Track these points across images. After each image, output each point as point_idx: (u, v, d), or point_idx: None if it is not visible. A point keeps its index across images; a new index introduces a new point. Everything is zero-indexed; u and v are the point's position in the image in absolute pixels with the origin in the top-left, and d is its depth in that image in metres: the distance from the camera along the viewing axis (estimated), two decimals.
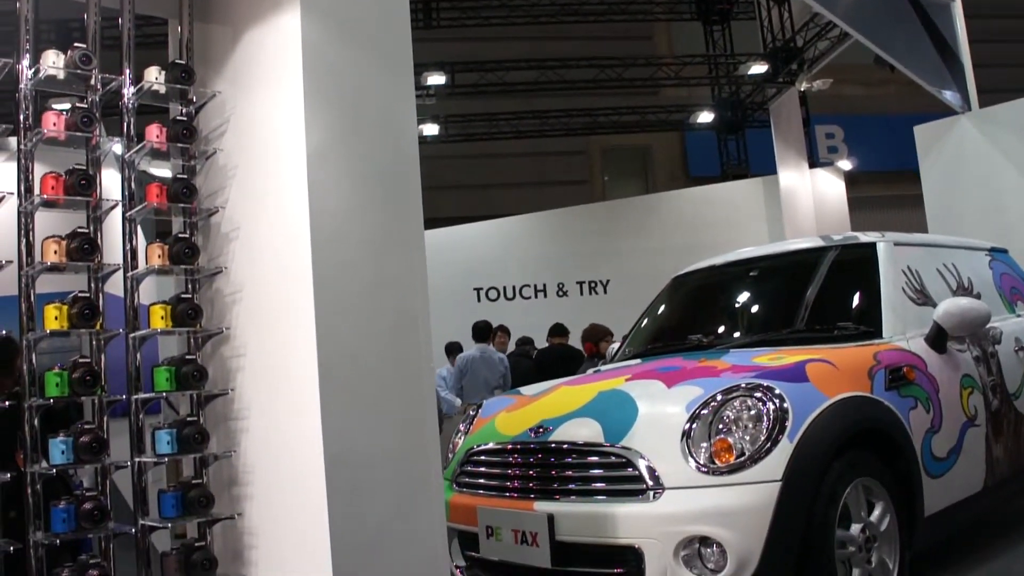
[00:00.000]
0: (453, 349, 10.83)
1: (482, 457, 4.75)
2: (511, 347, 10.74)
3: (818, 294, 5.13)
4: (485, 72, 16.49)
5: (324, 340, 3.38)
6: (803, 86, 15.76)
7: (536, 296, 15.09)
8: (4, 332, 3.48)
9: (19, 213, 3.58)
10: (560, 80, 17.08)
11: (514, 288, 15.12)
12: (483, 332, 10.02)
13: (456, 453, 4.99)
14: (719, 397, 3.99)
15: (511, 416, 4.89)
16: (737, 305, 5.93)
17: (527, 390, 5.42)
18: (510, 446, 4.60)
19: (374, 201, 3.62)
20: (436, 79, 15.58)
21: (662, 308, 6.21)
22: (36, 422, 3.51)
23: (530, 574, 4.23)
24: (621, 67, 17.24)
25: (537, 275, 15.19)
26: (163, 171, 4.42)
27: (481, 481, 4.69)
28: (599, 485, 4.12)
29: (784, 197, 15.34)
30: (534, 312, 13.71)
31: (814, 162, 16.46)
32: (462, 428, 5.25)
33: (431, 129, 16.58)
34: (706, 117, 18.97)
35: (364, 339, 3.51)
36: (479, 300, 14.99)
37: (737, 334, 5.49)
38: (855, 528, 3.96)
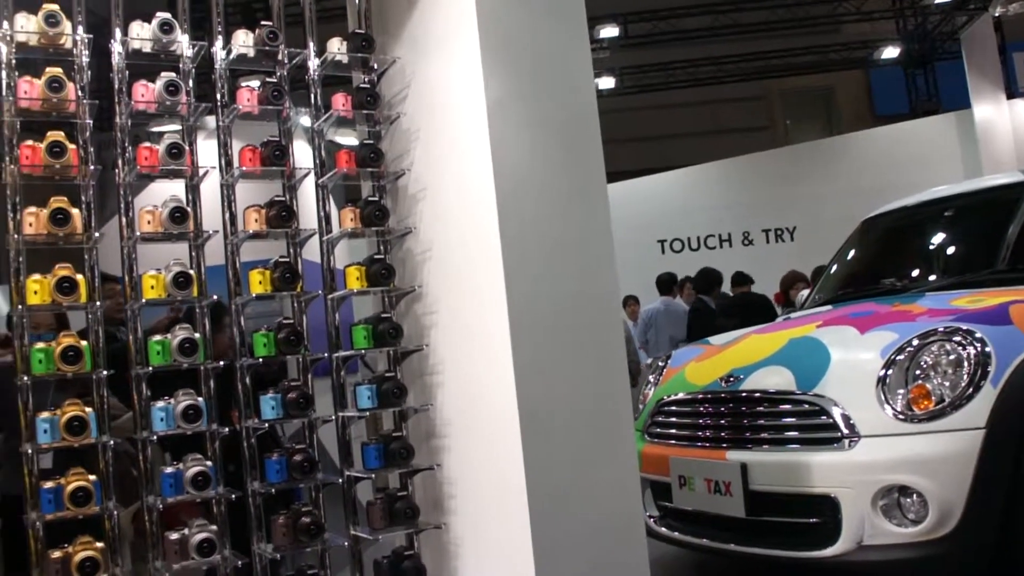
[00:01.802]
0: (627, 303, 10.72)
1: (673, 407, 4.77)
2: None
3: (1021, 232, 4.87)
4: (658, 21, 16.24)
5: (513, 295, 3.44)
6: (998, 11, 14.80)
7: (721, 246, 14.83)
8: (215, 296, 3.70)
9: (221, 186, 3.80)
10: (735, 24, 16.64)
11: (698, 239, 14.92)
12: (667, 284, 9.92)
13: (647, 404, 5.02)
14: (915, 342, 3.86)
15: (701, 366, 4.88)
16: (932, 247, 5.70)
17: (716, 339, 5.39)
18: (700, 396, 4.60)
19: (555, 155, 3.65)
20: (609, 31, 15.43)
21: (852, 252, 6.03)
22: (247, 381, 3.73)
23: (724, 524, 4.23)
24: (797, 5, 16.65)
25: (721, 224, 14.92)
26: (347, 139, 4.58)
27: (672, 431, 4.71)
28: (792, 434, 4.08)
29: (980, 132, 14.53)
30: (719, 262, 13.47)
31: (1012, 92, 15.47)
32: (652, 379, 5.27)
33: (606, 82, 16.43)
34: (891, 52, 18.16)
35: (553, 292, 3.55)
36: (663, 252, 14.86)
37: (933, 277, 5.28)
38: None
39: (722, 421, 4.41)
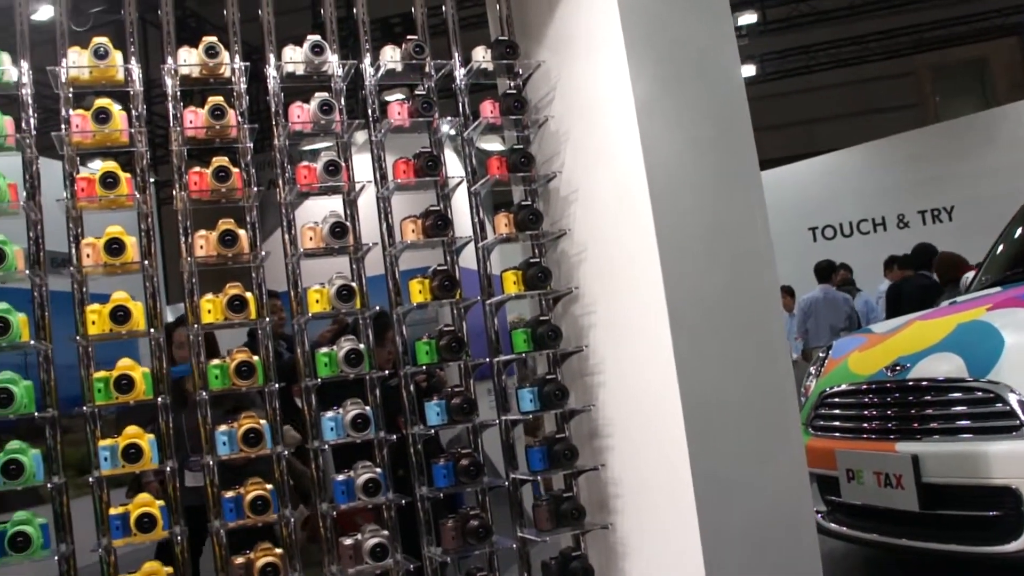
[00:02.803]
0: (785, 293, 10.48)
1: (836, 399, 4.65)
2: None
3: None
4: (797, 3, 15.87)
5: (672, 291, 3.42)
6: None
7: (875, 230, 14.32)
8: (377, 308, 3.79)
9: (378, 199, 3.89)
10: (876, 0, 16.12)
11: (851, 224, 14.45)
12: (826, 272, 9.66)
13: (809, 396, 4.91)
14: None
15: (864, 355, 4.75)
16: None
17: (878, 327, 5.24)
18: (865, 386, 4.48)
19: (707, 148, 3.61)
20: (747, 18, 15.20)
21: (1020, 230, 5.76)
22: (412, 388, 3.81)
23: (896, 517, 4.10)
24: None
25: (874, 208, 14.39)
26: (492, 144, 4.63)
27: (837, 424, 4.60)
28: (965, 423, 3.92)
29: None
30: (874, 247, 13.02)
31: None
32: (813, 371, 5.15)
33: (747, 70, 16.17)
34: None
35: (711, 286, 3.52)
36: (815, 240, 14.48)
37: None
38: None
39: (889, 412, 4.27)
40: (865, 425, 4.40)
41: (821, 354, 5.27)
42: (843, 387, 4.63)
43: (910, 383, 4.17)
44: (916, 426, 4.09)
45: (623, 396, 3.78)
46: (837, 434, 4.54)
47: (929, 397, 4.09)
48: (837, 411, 4.62)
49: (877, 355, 4.60)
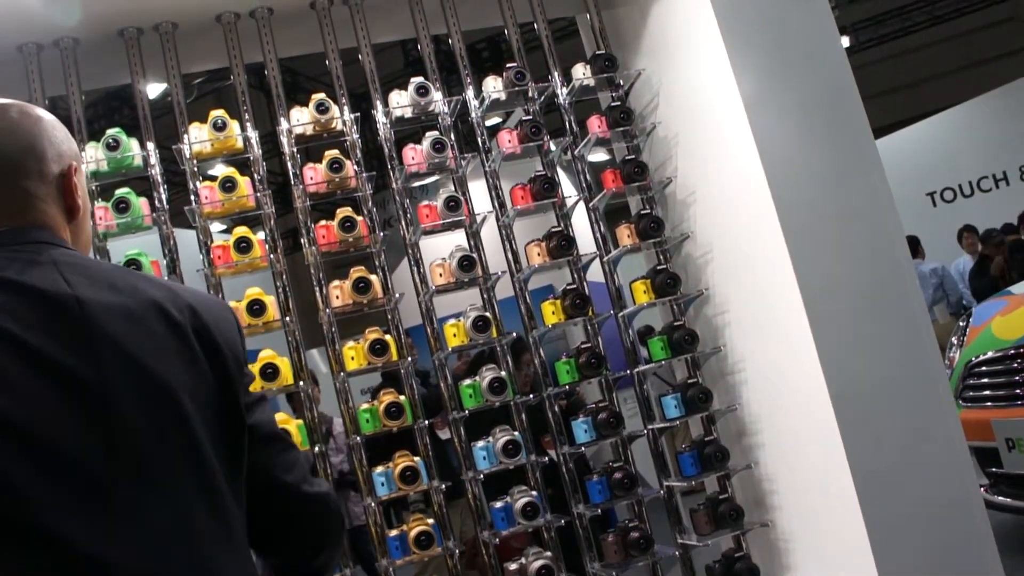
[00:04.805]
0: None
1: (984, 368, 4.53)
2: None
3: None
4: None
5: (805, 280, 3.40)
6: None
7: (997, 186, 13.79)
8: (514, 333, 3.85)
9: (499, 227, 3.94)
10: None
11: (970, 184, 13.94)
12: (912, 246, 9.32)
13: (954, 368, 4.79)
14: None
15: (1007, 319, 4.62)
16: None
17: (1017, 288, 5.09)
18: (1013, 351, 4.34)
19: (820, 131, 3.58)
20: None
21: None
22: (556, 409, 3.85)
23: None
24: None
25: (992, 164, 13.84)
26: (595, 155, 4.65)
27: (987, 393, 4.48)
28: None
29: None
30: (997, 205, 12.54)
31: None
32: (955, 340, 5.02)
33: (842, 42, 15.80)
34: None
35: (844, 270, 3.48)
36: (934, 205, 14.03)
37: None
38: None
39: None
40: (1018, 391, 4.27)
41: (962, 322, 5.13)
42: (989, 354, 4.50)
43: None
44: None
45: (767, 392, 3.76)
46: (989, 403, 4.41)
47: None
48: (986, 380, 4.50)
49: (1021, 318, 4.47)
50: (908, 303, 3.56)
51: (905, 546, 3.34)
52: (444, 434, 5.04)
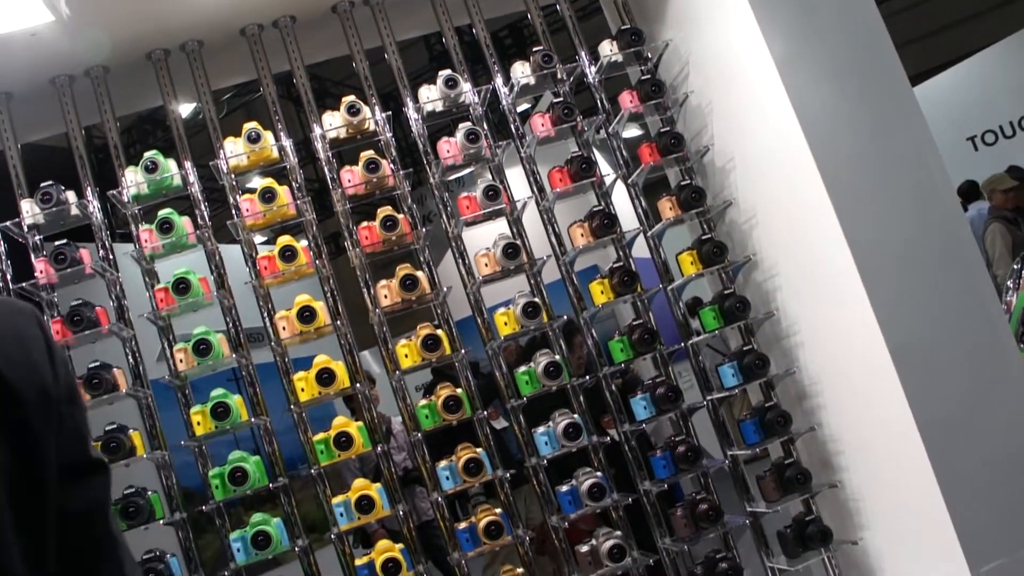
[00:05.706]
0: None
1: None
2: None
3: None
4: None
5: (853, 236, 3.36)
6: None
7: None
8: (564, 316, 3.84)
9: (540, 211, 3.93)
10: None
11: (1011, 124, 13.65)
12: (967, 194, 9.09)
13: (1012, 311, 4.71)
14: None
15: None
16: None
17: None
18: None
19: (857, 85, 3.53)
20: None
21: None
22: (613, 388, 3.84)
23: None
24: None
25: None
26: (629, 132, 4.61)
27: None
28: None
29: None
30: None
31: None
32: (1011, 284, 4.94)
33: None
34: None
35: (892, 223, 3.44)
36: (976, 149, 13.77)
37: None
38: None
39: None
40: None
41: (1016, 266, 5.05)
42: None
43: None
44: None
45: (824, 352, 3.72)
46: None
47: None
48: None
49: None
50: (960, 249, 3.51)
51: (977, 493, 3.30)
52: (499, 424, 5.05)
